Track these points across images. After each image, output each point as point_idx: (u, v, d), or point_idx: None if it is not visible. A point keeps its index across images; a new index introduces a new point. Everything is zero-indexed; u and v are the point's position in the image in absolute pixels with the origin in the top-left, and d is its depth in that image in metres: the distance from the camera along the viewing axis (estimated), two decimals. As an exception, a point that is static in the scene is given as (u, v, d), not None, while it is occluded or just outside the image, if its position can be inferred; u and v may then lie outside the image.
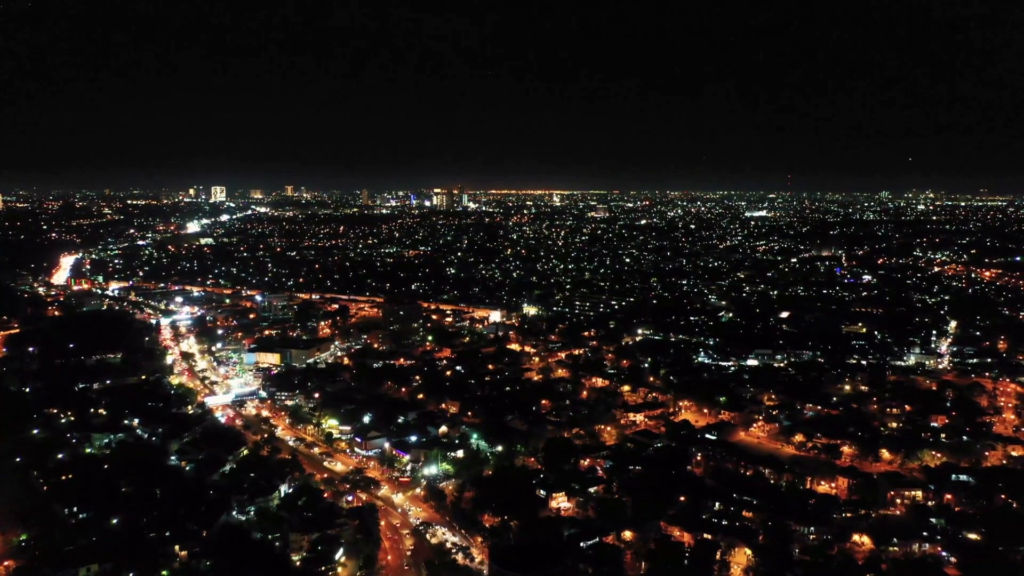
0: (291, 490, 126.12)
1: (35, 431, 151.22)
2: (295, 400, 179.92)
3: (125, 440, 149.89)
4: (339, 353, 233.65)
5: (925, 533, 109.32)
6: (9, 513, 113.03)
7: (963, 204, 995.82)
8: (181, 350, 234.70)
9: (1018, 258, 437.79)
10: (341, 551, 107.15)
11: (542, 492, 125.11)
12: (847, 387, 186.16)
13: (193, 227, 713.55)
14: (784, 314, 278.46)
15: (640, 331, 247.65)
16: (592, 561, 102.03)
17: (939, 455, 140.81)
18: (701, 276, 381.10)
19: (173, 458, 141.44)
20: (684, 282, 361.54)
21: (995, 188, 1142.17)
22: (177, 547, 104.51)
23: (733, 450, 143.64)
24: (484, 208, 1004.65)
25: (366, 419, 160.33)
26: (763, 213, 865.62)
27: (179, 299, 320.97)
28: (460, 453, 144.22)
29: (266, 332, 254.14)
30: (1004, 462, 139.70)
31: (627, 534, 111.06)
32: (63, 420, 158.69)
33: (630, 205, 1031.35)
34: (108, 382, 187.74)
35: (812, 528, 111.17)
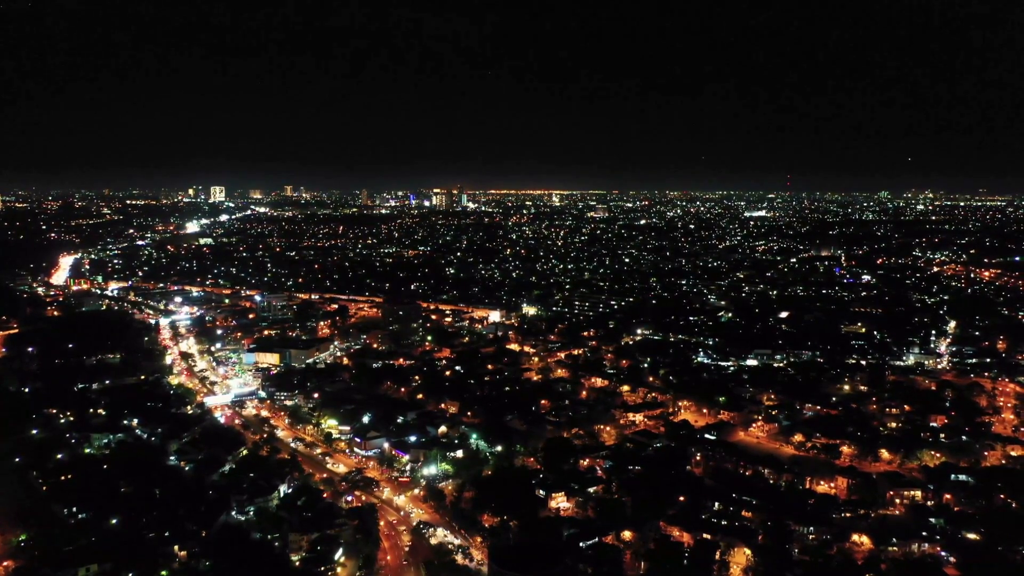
0: (290, 490, 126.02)
1: (34, 431, 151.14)
2: (294, 400, 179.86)
3: (124, 440, 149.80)
4: (338, 353, 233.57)
5: (924, 533, 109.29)
6: (8, 513, 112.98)
7: (962, 204, 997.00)
8: (180, 350, 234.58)
9: (1017, 258, 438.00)
10: (340, 551, 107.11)
11: (541, 492, 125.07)
12: (846, 387, 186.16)
13: (192, 227, 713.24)
14: (783, 314, 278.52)
15: (639, 331, 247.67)
16: (591, 561, 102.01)
17: (938, 455, 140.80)
18: (700, 276, 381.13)
19: (172, 458, 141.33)
20: (683, 282, 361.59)
21: (994, 188, 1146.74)
22: (176, 547, 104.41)
23: (732, 450, 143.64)
24: (483, 208, 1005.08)
25: (365, 419, 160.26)
26: (762, 213, 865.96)
27: (178, 299, 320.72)
28: (459, 453, 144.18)
29: (265, 332, 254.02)
30: (1003, 462, 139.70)
31: (626, 534, 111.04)
32: (62, 420, 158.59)
33: (629, 205, 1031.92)
34: (107, 382, 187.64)
35: (811, 528, 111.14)
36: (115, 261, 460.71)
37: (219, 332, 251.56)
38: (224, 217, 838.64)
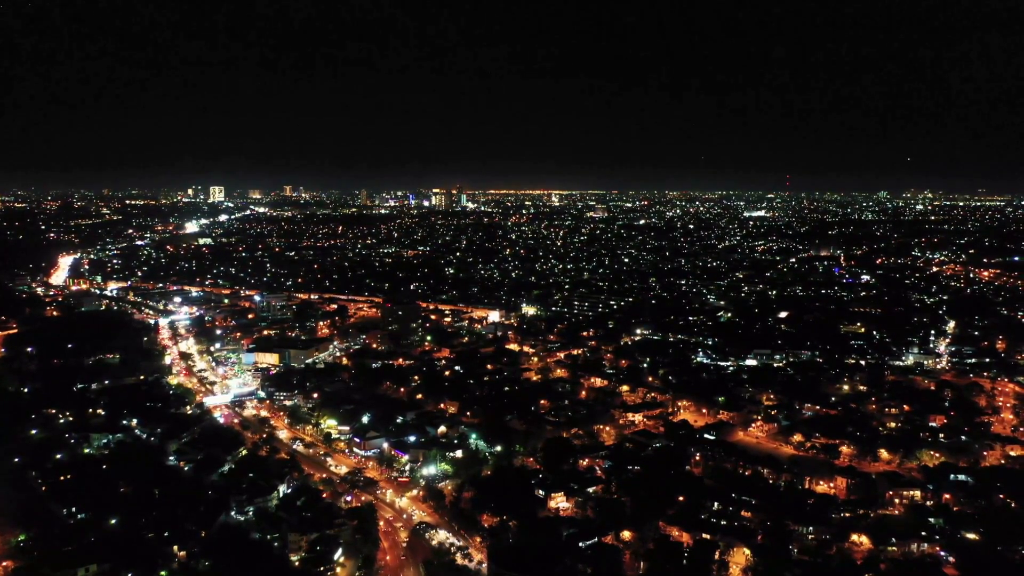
0: (290, 490, 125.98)
1: (34, 431, 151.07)
2: (294, 400, 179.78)
3: (124, 440, 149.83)
4: (338, 353, 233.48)
5: (923, 533, 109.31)
6: (8, 513, 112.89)
7: (961, 204, 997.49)
8: (180, 350, 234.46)
9: (1016, 258, 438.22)
10: (340, 551, 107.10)
11: (541, 492, 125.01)
12: (846, 387, 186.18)
13: (192, 227, 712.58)
14: (783, 314, 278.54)
15: (639, 331, 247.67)
16: (591, 561, 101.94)
17: (937, 455, 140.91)
18: (700, 276, 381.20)
19: (172, 458, 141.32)
20: (683, 282, 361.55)
21: (993, 188, 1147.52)
22: (176, 547, 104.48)
23: (732, 450, 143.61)
24: (483, 208, 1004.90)
25: (365, 419, 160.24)
26: (762, 213, 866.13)
27: (178, 299, 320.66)
28: (459, 453, 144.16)
29: (265, 332, 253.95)
30: (1002, 462, 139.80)
31: (626, 534, 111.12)
32: (61, 420, 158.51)
33: (629, 205, 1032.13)
34: (107, 382, 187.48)
35: (811, 528, 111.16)
36: (114, 261, 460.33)
37: (218, 332, 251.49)
38: (223, 217, 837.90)
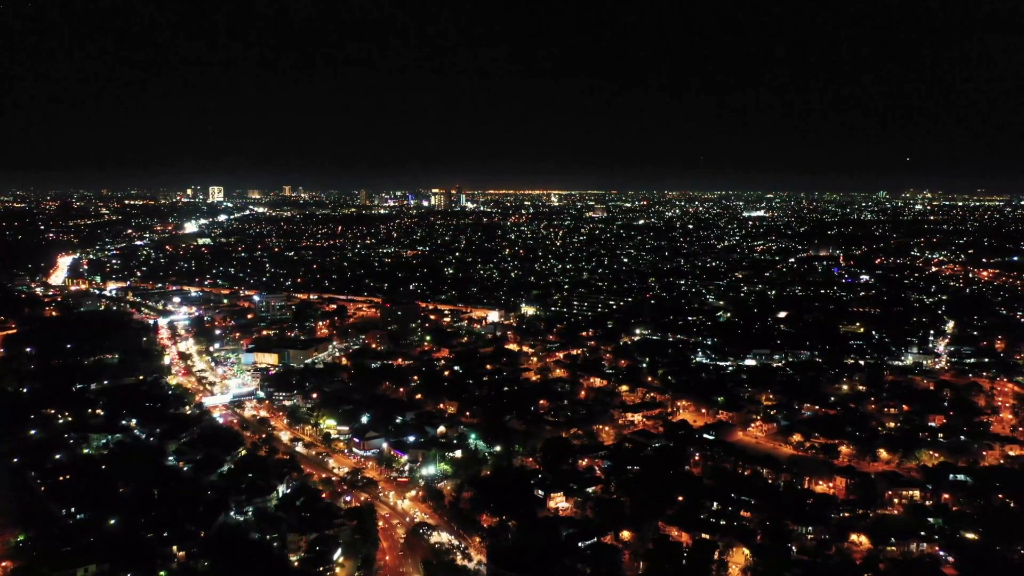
0: (289, 490, 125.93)
1: (33, 431, 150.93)
2: (293, 400, 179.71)
3: (123, 440, 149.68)
4: (337, 353, 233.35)
5: (923, 532, 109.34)
6: (7, 513, 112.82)
7: (960, 204, 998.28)
8: (179, 350, 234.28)
9: (1015, 258, 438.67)
10: (339, 551, 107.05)
11: (540, 492, 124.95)
12: (845, 387, 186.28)
13: (191, 227, 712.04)
14: (782, 314, 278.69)
15: (638, 331, 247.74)
16: (590, 561, 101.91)
17: (937, 455, 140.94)
18: (699, 276, 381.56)
19: (171, 458, 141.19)
20: (682, 282, 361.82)
21: (992, 188, 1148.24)
22: (175, 547, 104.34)
23: (731, 450, 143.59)
24: (482, 208, 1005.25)
25: (364, 419, 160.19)
26: (761, 213, 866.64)
27: (177, 299, 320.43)
28: (458, 453, 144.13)
29: (264, 332, 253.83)
30: (1001, 462, 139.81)
31: (625, 534, 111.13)
32: (61, 420, 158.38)
33: (628, 205, 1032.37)
34: (106, 382, 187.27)
35: (810, 528, 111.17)
36: (113, 261, 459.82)
37: (218, 332, 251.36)
38: (222, 217, 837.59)
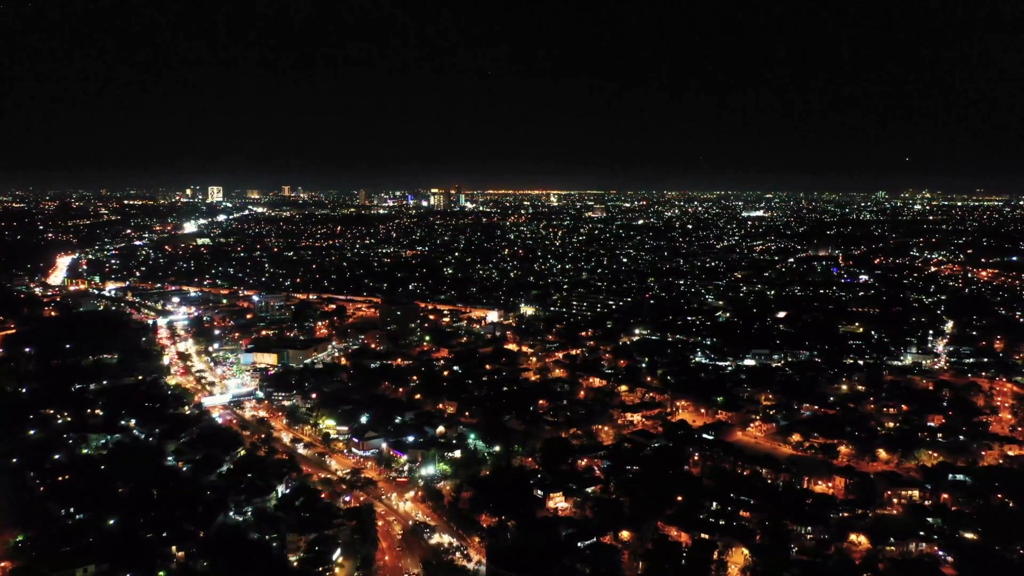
0: (288, 490, 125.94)
1: (32, 432, 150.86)
2: (292, 400, 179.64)
3: (122, 441, 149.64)
4: (336, 353, 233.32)
5: (922, 532, 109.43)
6: (6, 513, 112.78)
7: (959, 204, 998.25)
8: (178, 350, 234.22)
9: (1014, 258, 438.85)
10: (338, 551, 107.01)
11: (539, 492, 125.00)
12: (844, 387, 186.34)
13: (190, 227, 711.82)
14: (781, 314, 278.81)
15: (637, 331, 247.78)
16: (589, 561, 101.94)
17: (936, 455, 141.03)
18: (698, 276, 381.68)
19: (170, 459, 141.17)
20: (681, 282, 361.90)
21: (991, 188, 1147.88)
22: (174, 548, 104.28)
23: (730, 450, 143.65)
24: (481, 208, 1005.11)
25: (363, 419, 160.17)
26: (760, 213, 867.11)
27: (176, 299, 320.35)
28: (457, 453, 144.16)
29: (263, 332, 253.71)
30: (1000, 461, 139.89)
31: (624, 534, 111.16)
32: (60, 421, 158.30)
33: (627, 205, 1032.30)
34: (105, 382, 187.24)
35: (809, 528, 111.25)
36: (112, 261, 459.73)
37: (217, 332, 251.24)
38: (222, 217, 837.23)
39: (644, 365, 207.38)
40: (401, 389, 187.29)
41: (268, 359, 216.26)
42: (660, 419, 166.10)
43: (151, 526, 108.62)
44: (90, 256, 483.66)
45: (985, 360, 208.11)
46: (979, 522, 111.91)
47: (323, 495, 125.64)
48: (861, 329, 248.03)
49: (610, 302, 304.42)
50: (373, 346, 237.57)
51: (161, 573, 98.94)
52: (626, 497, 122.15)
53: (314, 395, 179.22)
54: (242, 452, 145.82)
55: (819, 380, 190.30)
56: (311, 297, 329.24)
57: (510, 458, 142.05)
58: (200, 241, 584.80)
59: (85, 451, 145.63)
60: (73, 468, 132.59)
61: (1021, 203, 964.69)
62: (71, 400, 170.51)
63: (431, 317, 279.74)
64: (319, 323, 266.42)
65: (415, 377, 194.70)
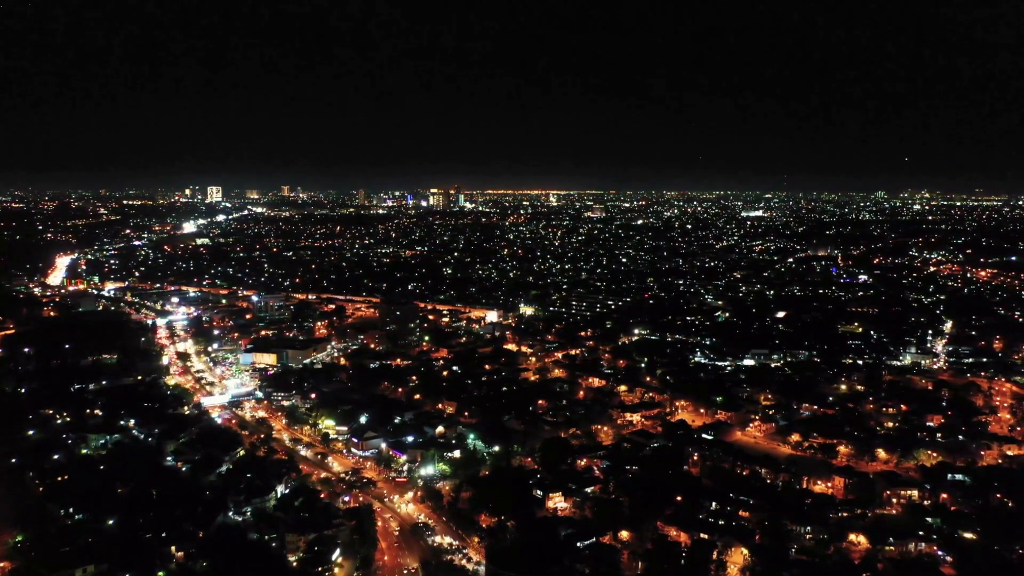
0: (287, 491, 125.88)
1: (31, 432, 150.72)
2: (291, 400, 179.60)
3: (121, 441, 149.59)
4: (335, 353, 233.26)
5: (921, 532, 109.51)
6: (5, 514, 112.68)
7: (959, 204, 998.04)
8: (177, 351, 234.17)
9: (1013, 258, 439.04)
10: (338, 552, 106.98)
11: (539, 492, 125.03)
12: (843, 387, 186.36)
13: (189, 227, 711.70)
14: (780, 314, 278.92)
15: (637, 331, 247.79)
16: (589, 561, 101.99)
17: (935, 454, 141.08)
18: (698, 276, 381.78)
19: (169, 459, 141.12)
20: (681, 282, 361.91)
21: (990, 188, 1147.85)
22: (173, 548, 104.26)
23: (729, 450, 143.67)
24: (480, 208, 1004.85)
25: (363, 419, 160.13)
26: (759, 213, 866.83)
27: (175, 299, 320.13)
28: (457, 453, 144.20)
29: (262, 332, 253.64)
30: (999, 461, 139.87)
31: (624, 534, 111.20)
32: (59, 421, 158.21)
33: (627, 205, 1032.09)
34: (104, 383, 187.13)
35: (808, 527, 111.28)
36: (112, 261, 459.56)
37: (216, 332, 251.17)
38: (221, 217, 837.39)
39: (643, 365, 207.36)
40: (400, 389, 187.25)
41: (267, 359, 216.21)
42: (659, 419, 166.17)
43: (150, 526, 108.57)
44: (89, 256, 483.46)
45: (984, 360, 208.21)
46: (978, 522, 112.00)
47: (322, 495, 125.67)
48: (860, 329, 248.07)
49: (609, 302, 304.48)
50: (372, 346, 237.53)
51: (160, 573, 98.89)
52: (625, 497, 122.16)
53: (313, 395, 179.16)
54: (241, 452, 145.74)
55: (818, 380, 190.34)
56: (310, 297, 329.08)
57: (509, 458, 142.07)
58: (199, 241, 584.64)
59: (84, 451, 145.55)
60: (72, 468, 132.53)
61: (1020, 203, 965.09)
62: (70, 400, 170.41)
63: (430, 317, 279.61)
64: (318, 323, 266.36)
65: (414, 377, 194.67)
